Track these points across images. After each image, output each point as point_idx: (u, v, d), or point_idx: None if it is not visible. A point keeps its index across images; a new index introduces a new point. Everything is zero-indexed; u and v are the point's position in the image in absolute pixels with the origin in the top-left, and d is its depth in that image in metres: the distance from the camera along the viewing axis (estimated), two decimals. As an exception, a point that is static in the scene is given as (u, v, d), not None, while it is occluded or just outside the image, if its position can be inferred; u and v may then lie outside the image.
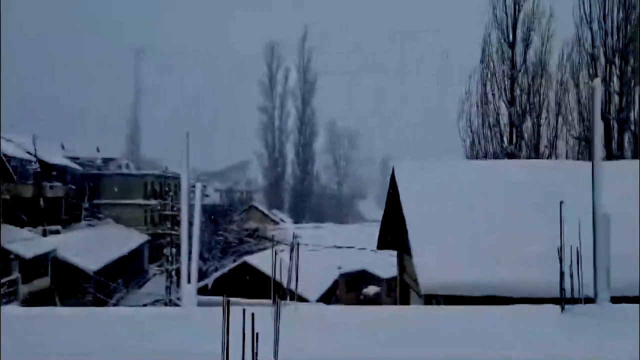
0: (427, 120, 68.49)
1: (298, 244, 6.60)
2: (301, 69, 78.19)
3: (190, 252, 6.98)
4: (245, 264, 31.21)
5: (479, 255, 11.87)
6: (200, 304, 7.36)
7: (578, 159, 23.14)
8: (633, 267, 9.73)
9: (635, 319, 7.26)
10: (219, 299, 4.24)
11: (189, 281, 7.08)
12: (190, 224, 7.30)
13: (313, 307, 10.81)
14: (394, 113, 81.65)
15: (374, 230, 19.17)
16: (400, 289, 19.04)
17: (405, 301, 17.62)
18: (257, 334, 3.14)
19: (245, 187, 74.85)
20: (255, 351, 3.21)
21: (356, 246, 34.26)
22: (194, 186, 7.77)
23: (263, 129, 77.43)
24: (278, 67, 79.07)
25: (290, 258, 6.09)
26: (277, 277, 6.55)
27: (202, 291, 26.22)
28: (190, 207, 7.53)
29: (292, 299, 7.06)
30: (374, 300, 32.73)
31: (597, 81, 6.75)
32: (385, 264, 29.49)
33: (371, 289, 34.57)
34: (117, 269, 39.70)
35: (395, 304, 22.70)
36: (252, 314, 3.15)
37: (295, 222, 60.04)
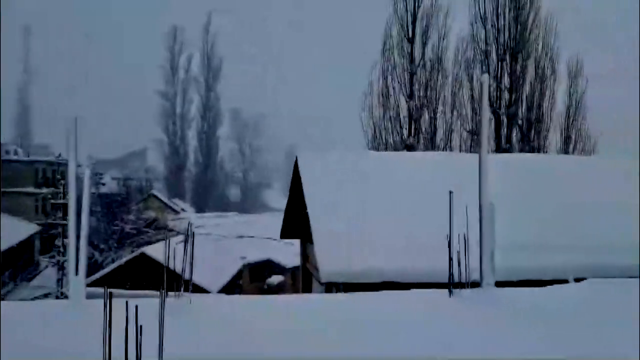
0: (332, 110, 69.43)
1: (193, 234, 6.44)
2: (205, 54, 76.54)
3: (78, 243, 6.62)
4: (143, 255, 30.20)
5: (377, 243, 12.21)
6: (91, 296, 7.02)
7: (470, 152, 24.34)
8: (516, 253, 10.37)
9: (515, 301, 7.77)
10: (114, 290, 4.04)
11: (76, 273, 6.73)
12: (89, 214, 6.93)
13: (209, 298, 10.68)
14: (299, 102, 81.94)
15: (279, 220, 19.20)
16: (303, 278, 19.23)
17: (307, 289, 17.81)
18: (140, 327, 3.00)
19: (144, 175, 72.34)
20: (139, 346, 3.07)
21: (260, 235, 34.19)
22: (94, 174, 7.38)
23: (164, 116, 75.15)
24: (180, 53, 76.92)
25: (185, 249, 5.93)
26: (178, 268, 6.37)
27: (98, 283, 25.11)
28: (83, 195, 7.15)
29: (192, 290, 6.89)
30: (278, 290, 32.84)
31: (485, 77, 7.10)
32: (289, 254, 29.66)
33: (275, 279, 34.65)
34: (4, 261, 37.15)
35: (298, 292, 22.91)
36: (136, 307, 3.02)
37: (198, 212, 58.89)
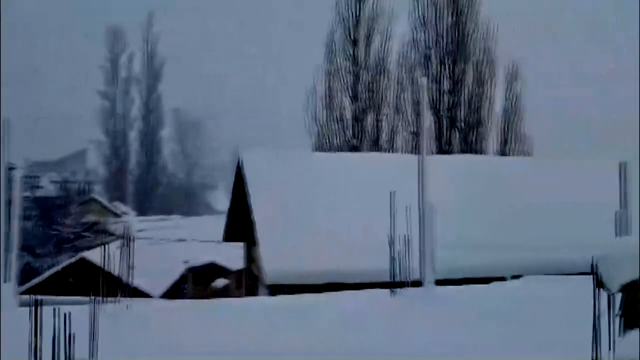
0: (277, 110, 69.18)
1: (131, 237, 6.27)
2: (146, 54, 74.73)
3: (7, 248, 6.33)
4: (82, 259, 29.20)
5: (321, 244, 12.24)
6: (26, 304, 6.72)
7: (413, 153, 24.72)
8: (456, 252, 10.61)
9: (455, 299, 7.95)
10: (49, 298, 3.87)
11: (7, 280, 6.43)
12: (25, 218, 6.64)
13: (149, 303, 10.41)
14: (244, 101, 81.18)
15: (224, 222, 18.98)
16: (248, 281, 19.06)
17: (253, 292, 17.66)
18: (73, 334, 2.89)
19: (84, 177, 70.01)
20: (69, 355, 2.95)
21: (204, 238, 33.63)
22: (30, 176, 7.06)
23: (104, 116, 72.94)
24: (121, 52, 74.82)
25: (121, 253, 5.76)
26: (119, 273, 6.18)
27: (35, 290, 24.09)
28: (22, 199, 6.85)
29: (133, 294, 6.72)
30: (223, 293, 32.40)
31: (423, 80, 7.24)
32: (234, 256, 29.32)
33: (220, 282, 34.13)
34: None
35: (243, 296, 22.70)
36: (65, 314, 2.90)
37: (140, 215, 57.48)
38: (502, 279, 10.51)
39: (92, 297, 3.58)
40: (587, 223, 12.11)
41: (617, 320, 4.47)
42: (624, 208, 11.31)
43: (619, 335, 4.19)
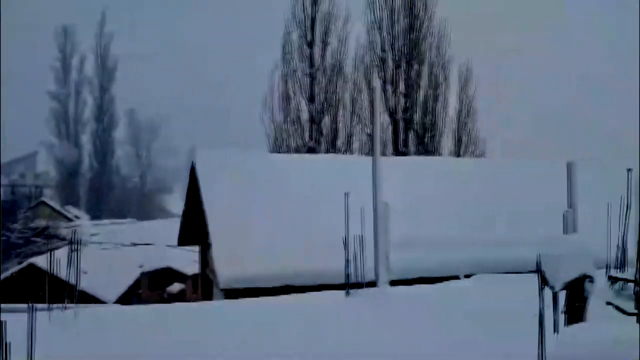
0: (234, 112, 68.68)
1: (82, 242, 6.10)
2: (98, 55, 72.93)
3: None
4: (31, 265, 28.32)
5: (276, 246, 12.18)
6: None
7: (370, 155, 24.89)
8: (410, 252, 10.73)
9: (409, 299, 8.03)
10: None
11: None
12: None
13: (100, 309, 10.14)
14: (200, 103, 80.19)
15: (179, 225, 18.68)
16: (203, 285, 18.82)
17: (208, 296, 17.44)
18: (9, 344, 2.78)
19: (34, 181, 67.84)
20: (6, 364, 2.84)
21: (159, 242, 33.03)
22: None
23: (55, 118, 70.86)
24: (73, 53, 72.82)
25: (69, 258, 5.60)
26: (68, 279, 5.99)
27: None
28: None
29: (87, 300, 6.52)
30: (179, 298, 31.92)
31: (377, 83, 7.28)
32: (190, 260, 28.92)
33: (175, 287, 33.63)
34: None
35: (199, 300, 22.40)
36: (2, 322, 2.78)
37: (93, 219, 56.04)
38: (456, 277, 10.69)
39: (31, 305, 3.45)
40: (537, 222, 12.42)
41: (562, 316, 4.60)
42: (571, 207, 11.66)
43: (563, 330, 4.30)
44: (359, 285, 8.08)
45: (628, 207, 9.83)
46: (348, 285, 7.91)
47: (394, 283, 8.90)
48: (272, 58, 26.06)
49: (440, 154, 27.29)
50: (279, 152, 24.97)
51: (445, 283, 9.43)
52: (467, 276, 10.73)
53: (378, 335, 6.09)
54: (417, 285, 9.22)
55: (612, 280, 9.55)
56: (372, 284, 8.47)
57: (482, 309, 6.79)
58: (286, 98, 25.80)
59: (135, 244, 28.88)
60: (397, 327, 6.38)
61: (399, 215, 9.49)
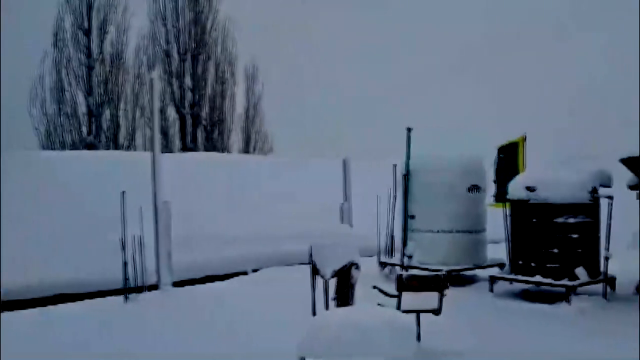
0: None
1: None
2: None
3: None
4: None
5: (49, 254, 11.06)
6: None
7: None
8: (194, 250, 10.55)
9: (194, 298, 7.88)
10: None
11: None
12: None
13: None
14: None
15: None
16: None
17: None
18: None
19: None
20: None
21: None
22: None
23: None
24: None
25: None
26: None
27: None
28: None
29: None
30: None
31: (154, 75, 6.99)
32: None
33: None
34: None
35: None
36: None
37: None
38: (244, 273, 10.80)
39: None
40: (319, 216, 13.12)
41: (333, 302, 4.87)
42: (346, 200, 12.55)
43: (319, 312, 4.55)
44: (140, 289, 7.69)
45: (395, 198, 10.91)
46: (127, 290, 7.47)
47: (178, 284, 8.66)
48: (42, 45, 23.53)
49: (229, 151, 27.43)
50: (52, 149, 22.77)
51: (233, 279, 9.47)
52: (255, 270, 10.92)
53: (158, 337, 5.85)
54: (205, 284, 9.10)
55: (382, 265, 10.54)
56: (155, 287, 8.14)
57: (264, 301, 6.94)
58: (60, 89, 23.56)
59: None
60: (179, 328, 6.20)
61: (182, 213, 9.27)
